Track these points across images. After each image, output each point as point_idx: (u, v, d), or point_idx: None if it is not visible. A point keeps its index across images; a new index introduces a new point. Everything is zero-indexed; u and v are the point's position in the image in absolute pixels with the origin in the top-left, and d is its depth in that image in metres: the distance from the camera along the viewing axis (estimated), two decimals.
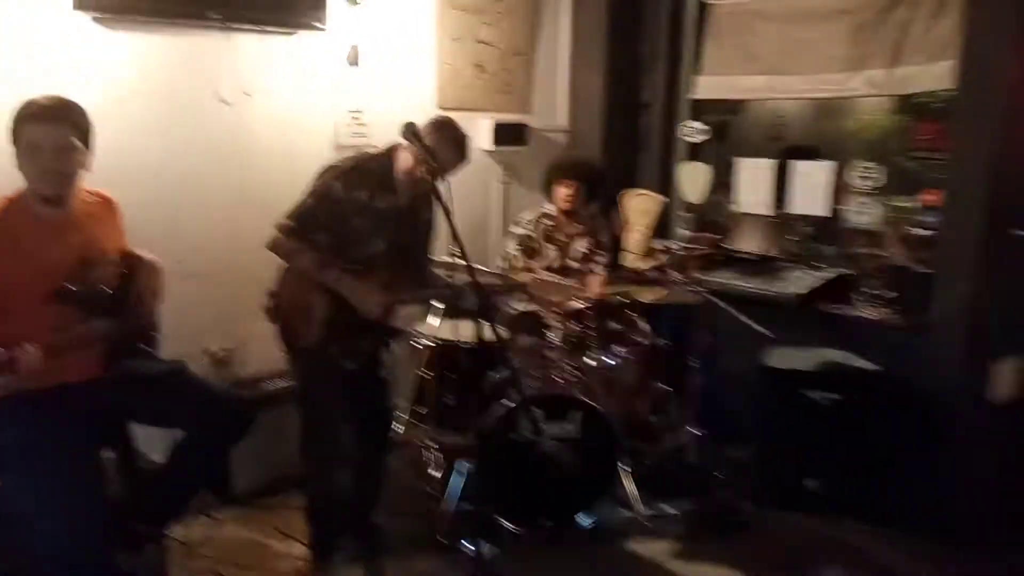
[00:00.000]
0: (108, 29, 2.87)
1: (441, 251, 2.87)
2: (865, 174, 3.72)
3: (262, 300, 2.77)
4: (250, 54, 3.26)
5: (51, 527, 1.87)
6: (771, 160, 4.00)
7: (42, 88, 2.64)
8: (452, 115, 3.94)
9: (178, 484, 2.30)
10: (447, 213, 2.20)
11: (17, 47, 2.69)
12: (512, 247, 3.70)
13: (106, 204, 2.24)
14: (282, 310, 2.52)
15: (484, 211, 4.29)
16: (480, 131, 4.10)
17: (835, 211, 3.80)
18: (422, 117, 3.82)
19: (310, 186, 2.57)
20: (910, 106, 3.76)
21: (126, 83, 2.95)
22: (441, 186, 2.42)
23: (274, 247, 2.52)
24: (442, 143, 2.51)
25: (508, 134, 4.20)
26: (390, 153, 2.63)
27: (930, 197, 3.46)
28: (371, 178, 2.54)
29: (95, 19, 2.83)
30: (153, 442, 2.44)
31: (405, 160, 2.56)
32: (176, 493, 2.31)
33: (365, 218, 2.52)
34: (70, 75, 2.79)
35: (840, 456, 3.11)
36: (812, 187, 3.84)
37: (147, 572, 2.23)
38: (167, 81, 3.07)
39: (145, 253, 2.31)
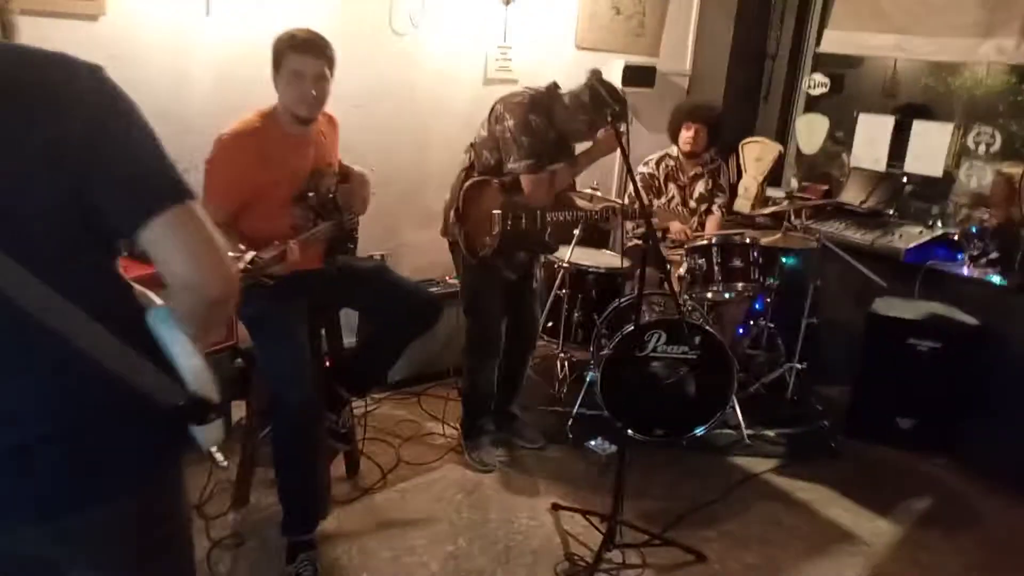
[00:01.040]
0: None
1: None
2: (980, 138, 3.88)
3: (415, 213, 3.09)
4: None
5: (287, 377, 2.32)
6: (891, 117, 4.16)
7: (253, 17, 3.07)
8: (587, 55, 4.28)
9: (376, 360, 2.75)
10: (624, 153, 2.50)
11: None
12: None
13: (331, 122, 2.62)
14: (462, 225, 2.89)
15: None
16: (611, 72, 4.36)
17: (944, 170, 3.98)
18: (561, 55, 4.18)
19: (514, 124, 2.79)
20: None
21: (320, 7, 3.30)
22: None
23: (535, 187, 2.80)
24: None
25: (637, 76, 4.44)
26: (550, 91, 2.92)
27: None
28: (543, 111, 2.85)
29: None
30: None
31: (573, 117, 2.84)
32: (374, 367, 2.77)
33: (540, 144, 2.84)
34: (271, 5, 3.16)
35: (934, 400, 3.40)
36: (929, 147, 4.00)
37: (342, 428, 2.72)
38: (352, 9, 3.41)
39: (356, 166, 2.71)
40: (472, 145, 2.94)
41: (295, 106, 2.35)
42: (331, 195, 2.57)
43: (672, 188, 4.00)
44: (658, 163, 4.02)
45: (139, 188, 1.08)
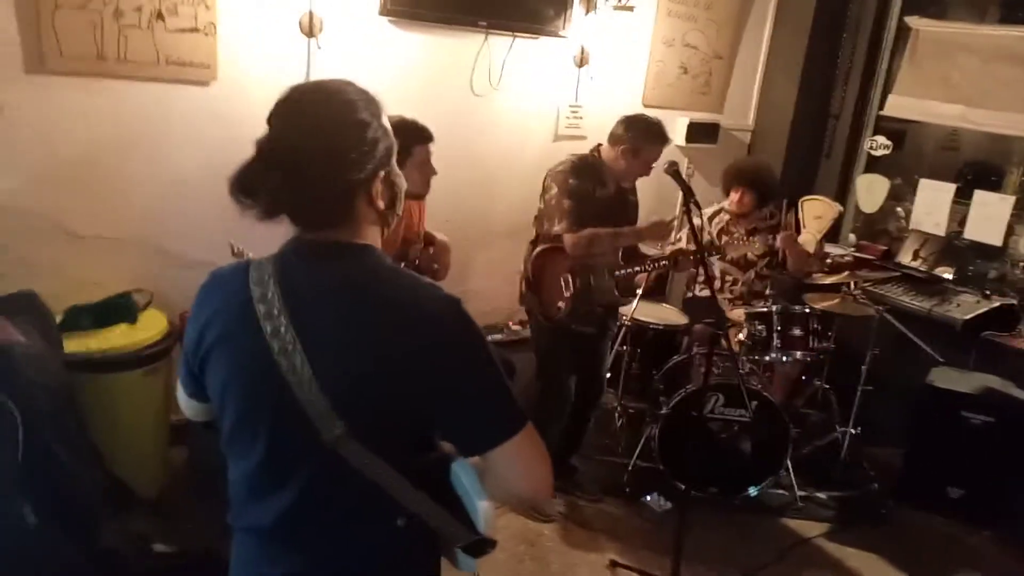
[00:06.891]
0: (401, 30, 3.44)
1: None
2: None
3: (482, 261, 3.27)
4: (501, 55, 3.76)
5: None
6: (952, 184, 4.22)
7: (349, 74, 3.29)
8: (654, 112, 4.42)
9: None
10: (692, 207, 2.67)
11: (335, 42, 3.29)
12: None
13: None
14: (536, 285, 3.07)
15: (670, 200, 4.70)
16: (676, 128, 4.50)
17: (1006, 240, 4.02)
18: (629, 112, 4.31)
19: (557, 191, 3.01)
20: None
21: (410, 72, 3.52)
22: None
23: (574, 246, 2.97)
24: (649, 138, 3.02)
25: (701, 132, 4.59)
26: (596, 151, 3.13)
27: None
28: (590, 173, 3.05)
29: (391, 21, 3.40)
30: None
31: (616, 160, 3.05)
32: None
33: (591, 206, 3.01)
34: (371, 65, 3.38)
35: (985, 473, 3.46)
36: (990, 217, 4.05)
37: None
38: (438, 73, 3.62)
39: (439, 234, 2.90)
40: (536, 218, 3.12)
41: (421, 188, 2.56)
42: (416, 262, 2.76)
43: (724, 240, 4.08)
44: (711, 218, 4.09)
45: (490, 418, 1.19)
